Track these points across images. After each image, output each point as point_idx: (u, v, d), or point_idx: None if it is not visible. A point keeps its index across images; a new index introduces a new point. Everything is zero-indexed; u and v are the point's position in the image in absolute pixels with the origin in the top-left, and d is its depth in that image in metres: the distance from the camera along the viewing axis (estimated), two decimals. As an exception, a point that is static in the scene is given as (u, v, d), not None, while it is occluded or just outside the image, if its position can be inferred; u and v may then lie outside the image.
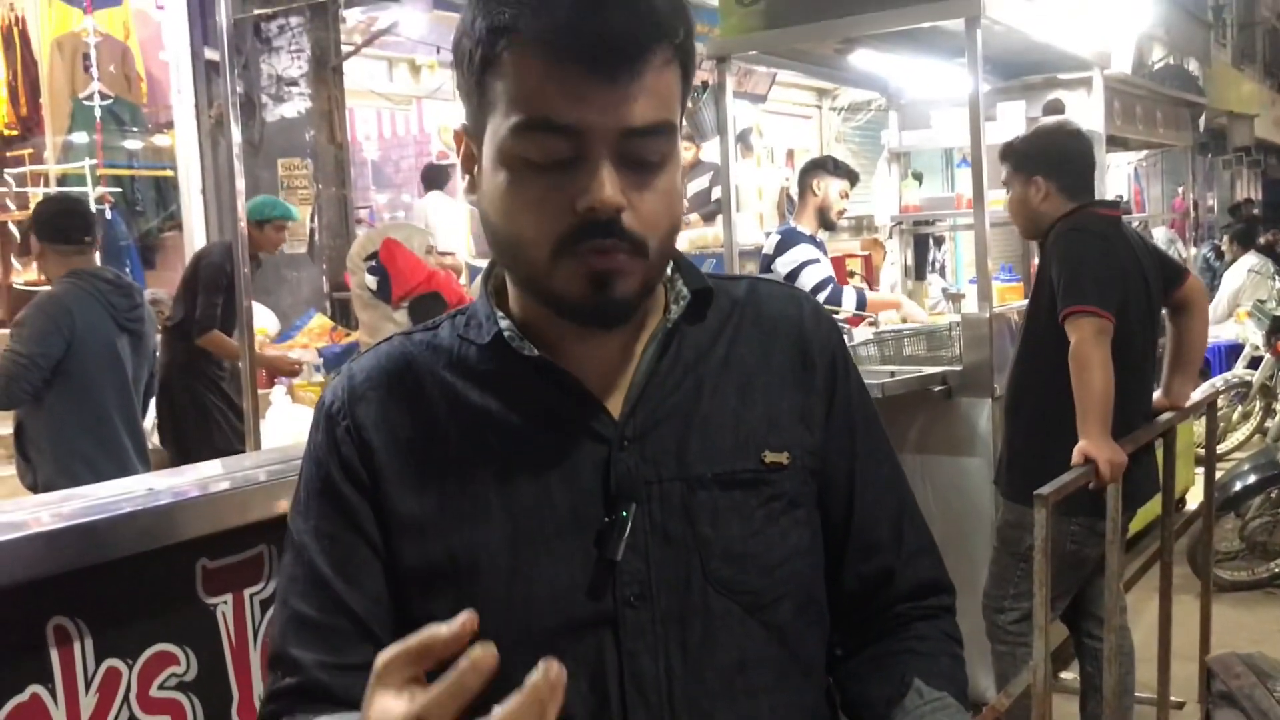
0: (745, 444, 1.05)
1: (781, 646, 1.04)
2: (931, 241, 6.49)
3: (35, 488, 3.73)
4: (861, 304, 4.61)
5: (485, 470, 1.01)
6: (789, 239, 4.66)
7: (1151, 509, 3.71)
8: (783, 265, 4.60)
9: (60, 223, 3.87)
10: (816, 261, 4.58)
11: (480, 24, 0.93)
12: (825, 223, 4.75)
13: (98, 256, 4.02)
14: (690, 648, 1.01)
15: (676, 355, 1.06)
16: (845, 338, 2.57)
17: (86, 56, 7.08)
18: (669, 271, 1.09)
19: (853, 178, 4.82)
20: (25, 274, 6.99)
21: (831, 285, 4.54)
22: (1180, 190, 13.48)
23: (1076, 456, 2.93)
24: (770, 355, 1.09)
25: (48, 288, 3.92)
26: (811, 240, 4.68)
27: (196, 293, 4.94)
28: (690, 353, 1.07)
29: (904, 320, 4.73)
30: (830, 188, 4.73)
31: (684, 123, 1.04)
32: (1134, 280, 3.16)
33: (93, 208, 6.86)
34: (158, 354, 4.43)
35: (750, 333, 1.10)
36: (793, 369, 1.10)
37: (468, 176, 1.03)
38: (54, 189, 7.00)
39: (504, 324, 1.04)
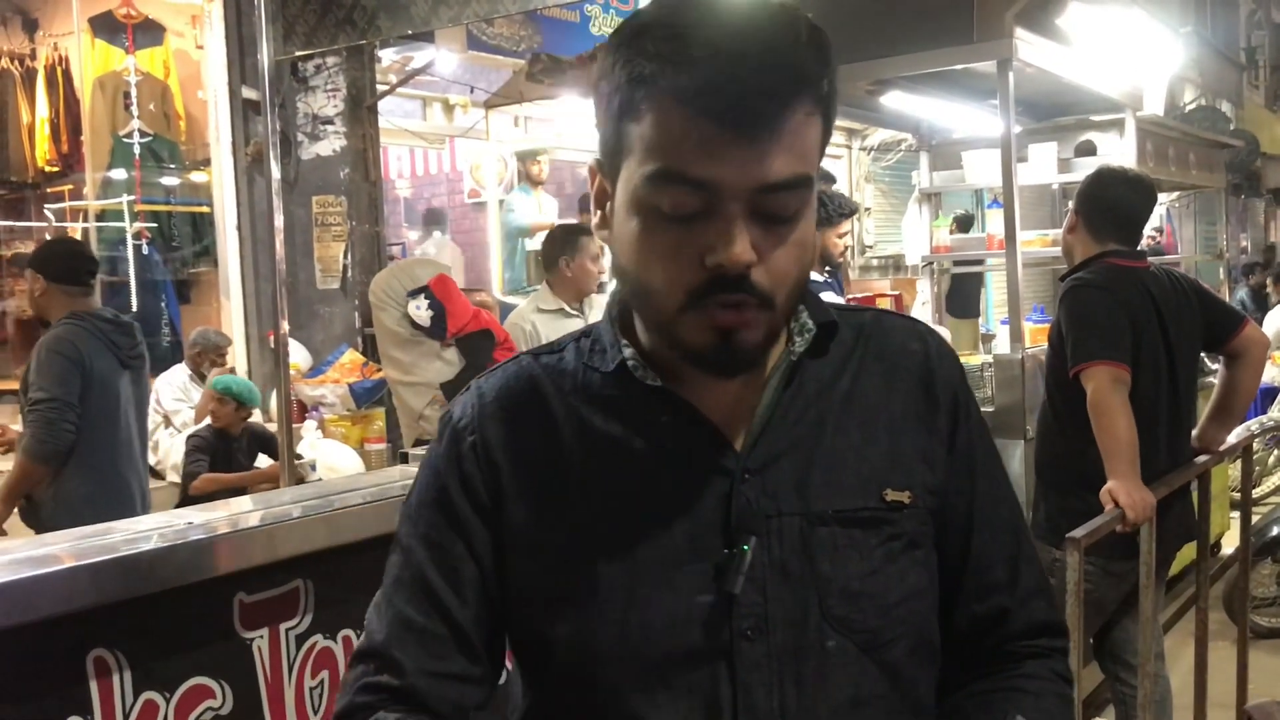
0: (867, 481, 1.04)
1: (894, 686, 1.03)
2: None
3: (39, 527, 3.73)
4: None
5: (607, 497, 1.02)
6: None
7: (1187, 553, 3.67)
8: None
9: (72, 264, 3.96)
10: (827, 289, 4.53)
11: (620, 72, 0.94)
12: (829, 263, 4.67)
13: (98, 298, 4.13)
14: (804, 683, 1.00)
15: (799, 389, 1.06)
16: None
17: (127, 95, 7.19)
18: None
19: (849, 212, 4.68)
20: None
21: None
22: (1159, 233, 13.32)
23: (1104, 499, 2.93)
24: (893, 391, 1.09)
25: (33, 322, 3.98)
26: (813, 283, 4.58)
27: None
28: (813, 386, 1.06)
29: None
30: (824, 236, 4.60)
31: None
32: (1147, 332, 3.15)
33: (129, 243, 6.99)
34: None
35: (873, 367, 1.09)
36: (915, 406, 1.09)
37: (599, 212, 1.04)
38: (93, 224, 7.10)
39: (628, 353, 1.04)
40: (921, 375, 1.10)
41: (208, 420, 5.34)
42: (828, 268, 4.66)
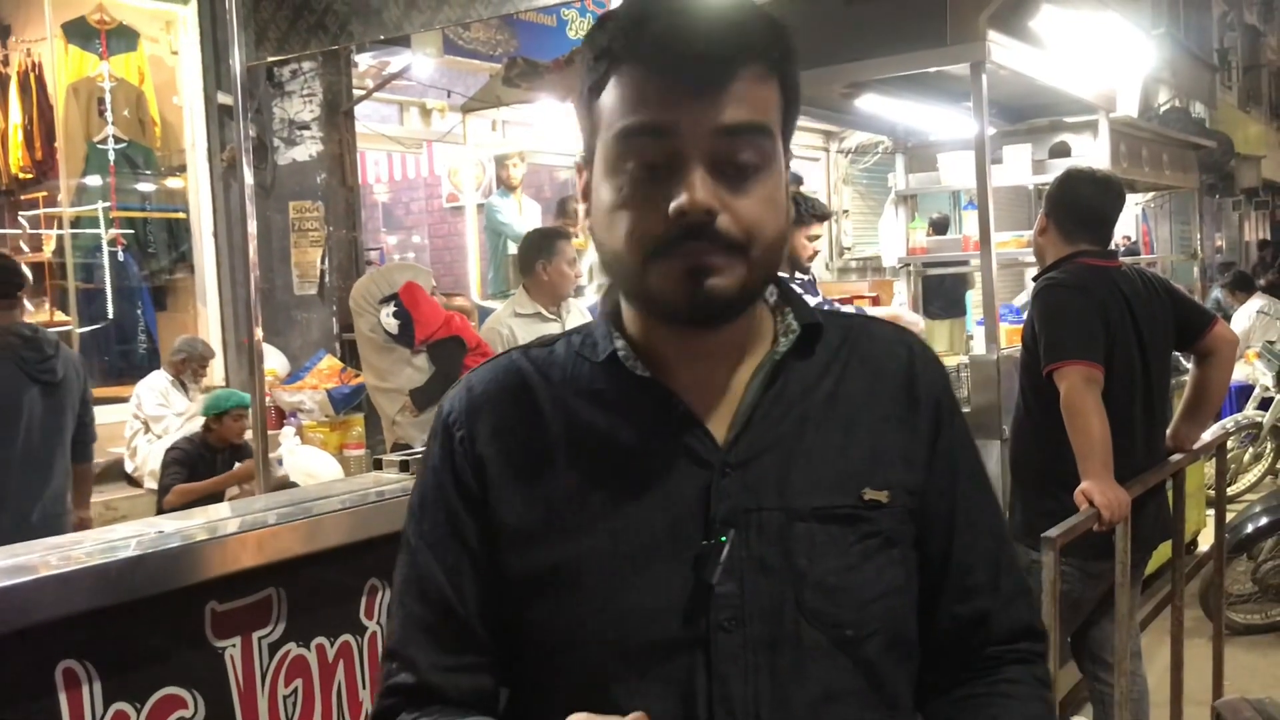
0: (846, 480, 1.06)
1: (869, 681, 1.05)
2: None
3: None
4: None
5: (590, 486, 1.04)
6: None
7: (1163, 552, 3.70)
8: None
9: None
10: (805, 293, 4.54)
11: (589, 55, 1.02)
12: (798, 267, 4.67)
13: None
14: (779, 675, 1.01)
15: (783, 388, 1.08)
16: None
17: (101, 101, 7.15)
18: (776, 301, 1.12)
19: (822, 216, 4.68)
20: (38, 315, 7.02)
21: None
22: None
23: (1078, 499, 2.94)
24: (876, 394, 1.11)
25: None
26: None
27: None
28: (796, 386, 1.08)
29: None
30: (793, 236, 4.59)
31: (789, 152, 1.06)
32: (1120, 331, 3.16)
33: (105, 250, 6.94)
34: None
35: (857, 370, 1.11)
36: (898, 409, 1.11)
37: (585, 204, 1.07)
38: (68, 231, 7.05)
39: (619, 344, 1.07)
40: (905, 379, 1.12)
41: (189, 432, 5.31)
42: (798, 273, 4.66)
